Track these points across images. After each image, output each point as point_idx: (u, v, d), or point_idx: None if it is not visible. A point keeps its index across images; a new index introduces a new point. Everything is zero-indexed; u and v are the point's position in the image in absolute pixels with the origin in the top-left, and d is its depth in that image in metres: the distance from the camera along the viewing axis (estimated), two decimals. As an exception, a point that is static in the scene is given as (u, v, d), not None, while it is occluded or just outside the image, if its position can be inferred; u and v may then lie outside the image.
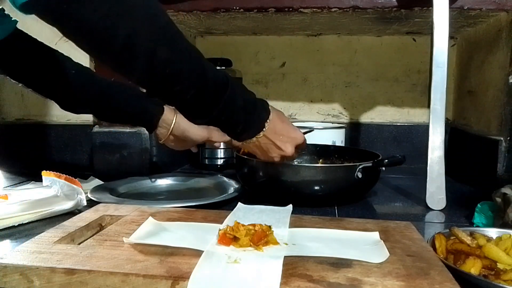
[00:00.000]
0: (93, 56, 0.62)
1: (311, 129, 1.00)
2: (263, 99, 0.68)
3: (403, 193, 0.99)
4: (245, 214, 0.63)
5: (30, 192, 0.81)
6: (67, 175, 0.80)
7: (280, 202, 0.70)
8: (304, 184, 0.82)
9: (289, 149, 0.70)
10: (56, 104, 0.78)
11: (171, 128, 0.79)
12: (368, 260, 0.46)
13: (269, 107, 0.68)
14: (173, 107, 0.79)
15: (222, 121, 0.62)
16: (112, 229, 0.57)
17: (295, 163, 0.92)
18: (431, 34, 0.82)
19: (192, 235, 0.54)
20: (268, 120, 0.66)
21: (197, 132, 0.80)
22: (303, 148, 0.76)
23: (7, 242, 0.63)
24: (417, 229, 0.59)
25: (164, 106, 0.80)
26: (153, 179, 1.01)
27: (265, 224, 0.53)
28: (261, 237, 0.50)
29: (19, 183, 1.03)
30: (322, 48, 1.37)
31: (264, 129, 0.66)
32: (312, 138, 1.12)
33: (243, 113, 0.63)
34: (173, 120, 0.79)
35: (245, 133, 0.66)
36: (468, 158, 1.12)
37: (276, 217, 0.62)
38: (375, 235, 0.56)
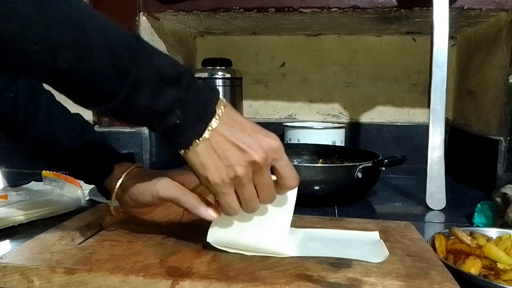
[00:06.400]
0: None
1: None
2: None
3: (403, 193, 0.99)
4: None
5: (30, 192, 0.81)
6: (67, 175, 0.80)
7: (280, 202, 0.70)
8: (304, 184, 0.80)
9: (259, 152, 0.41)
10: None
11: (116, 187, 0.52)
12: (368, 260, 0.46)
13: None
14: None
15: (138, 106, 0.37)
16: (112, 229, 0.57)
17: (295, 163, 0.92)
18: (431, 34, 0.82)
19: None
20: (219, 102, 0.40)
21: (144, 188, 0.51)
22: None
23: (7, 242, 0.63)
24: (417, 229, 0.59)
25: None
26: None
27: None
28: None
29: (19, 183, 1.02)
30: (322, 48, 1.37)
31: (216, 117, 0.39)
32: (312, 138, 1.12)
33: (176, 90, 0.37)
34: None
35: (183, 129, 0.39)
36: (468, 158, 1.12)
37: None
38: (375, 234, 0.55)
